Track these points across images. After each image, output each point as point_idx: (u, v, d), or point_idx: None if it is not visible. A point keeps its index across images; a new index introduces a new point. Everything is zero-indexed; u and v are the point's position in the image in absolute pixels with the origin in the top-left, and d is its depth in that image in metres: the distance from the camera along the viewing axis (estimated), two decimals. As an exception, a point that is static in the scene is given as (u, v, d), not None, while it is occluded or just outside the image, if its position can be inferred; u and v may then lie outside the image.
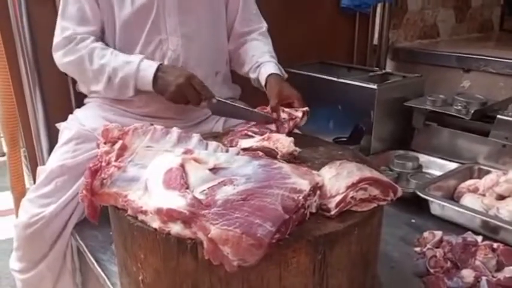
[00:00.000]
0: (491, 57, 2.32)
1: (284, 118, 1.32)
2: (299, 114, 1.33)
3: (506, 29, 3.38)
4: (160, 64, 1.32)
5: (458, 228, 1.31)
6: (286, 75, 1.49)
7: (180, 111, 1.41)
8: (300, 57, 2.14)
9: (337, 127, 1.89)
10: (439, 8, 2.88)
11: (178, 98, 1.29)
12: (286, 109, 1.34)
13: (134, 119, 1.38)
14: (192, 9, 1.42)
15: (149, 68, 1.30)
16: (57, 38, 1.37)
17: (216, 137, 1.24)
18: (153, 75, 1.29)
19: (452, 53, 2.39)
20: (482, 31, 3.22)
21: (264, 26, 1.61)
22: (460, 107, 1.68)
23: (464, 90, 2.27)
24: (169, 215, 0.75)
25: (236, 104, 1.40)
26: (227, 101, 1.37)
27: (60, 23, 1.37)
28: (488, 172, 1.54)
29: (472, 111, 1.65)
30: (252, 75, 1.51)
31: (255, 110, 1.35)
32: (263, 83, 1.43)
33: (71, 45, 1.34)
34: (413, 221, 1.41)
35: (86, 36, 1.35)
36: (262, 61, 1.48)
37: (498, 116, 1.60)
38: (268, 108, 1.33)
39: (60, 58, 1.37)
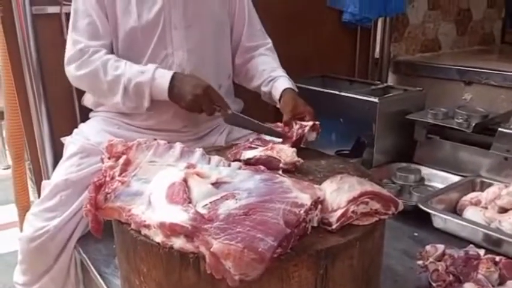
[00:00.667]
0: (493, 70, 2.34)
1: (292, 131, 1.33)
2: (309, 123, 1.33)
3: (507, 42, 3.40)
4: (175, 73, 1.33)
5: (460, 241, 1.31)
6: (296, 90, 1.51)
7: (183, 125, 1.43)
8: (302, 71, 2.16)
9: (339, 140, 1.90)
10: (440, 22, 2.90)
11: (194, 107, 1.31)
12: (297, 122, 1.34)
13: (138, 132, 1.40)
14: (197, 24, 1.44)
15: (165, 76, 1.32)
16: (70, 51, 1.37)
17: (219, 150, 1.25)
18: (168, 83, 1.31)
19: (453, 66, 2.40)
20: (484, 44, 3.24)
21: (270, 42, 1.65)
22: (461, 120, 1.69)
23: (466, 103, 2.27)
24: (172, 229, 0.76)
25: (250, 119, 1.39)
26: (242, 115, 1.38)
27: (71, 36, 1.38)
28: (490, 185, 1.54)
29: (474, 124, 1.66)
30: (264, 89, 1.53)
31: (268, 125, 1.36)
32: (277, 97, 1.45)
33: (85, 57, 1.35)
34: (415, 234, 1.41)
35: (98, 49, 1.36)
36: (275, 75, 1.51)
37: (499, 129, 1.61)
38: (281, 124, 1.35)
39: (74, 71, 1.37)
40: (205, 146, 1.22)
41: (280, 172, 1.07)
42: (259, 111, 1.48)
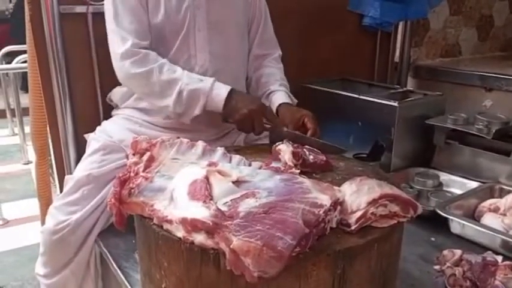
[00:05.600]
0: (514, 76, 2.31)
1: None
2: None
3: (529, 48, 3.35)
4: (233, 88, 1.35)
5: (478, 247, 1.31)
6: (296, 101, 1.57)
7: (204, 125, 1.45)
8: (322, 73, 2.18)
9: (357, 143, 1.90)
10: (461, 27, 2.88)
11: (246, 122, 1.34)
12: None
13: (160, 131, 1.42)
14: (220, 26, 1.46)
15: (223, 88, 1.34)
16: (121, 47, 1.34)
17: (238, 150, 1.27)
18: (226, 96, 1.33)
19: (474, 72, 2.38)
20: (505, 50, 3.19)
21: (278, 52, 1.67)
22: (481, 126, 1.68)
23: (486, 109, 2.25)
24: (193, 225, 0.77)
25: (304, 135, 1.39)
26: (296, 132, 1.38)
27: (118, 32, 1.35)
28: (509, 192, 1.53)
29: (494, 131, 1.65)
30: (265, 101, 1.56)
31: (324, 141, 1.36)
32: (274, 111, 1.50)
33: (140, 56, 1.34)
34: (432, 239, 1.40)
35: (150, 50, 1.36)
36: (273, 89, 1.56)
37: (521, 136, 1.60)
38: None
39: (129, 68, 1.34)
40: (225, 146, 1.24)
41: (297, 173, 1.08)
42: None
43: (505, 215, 1.42)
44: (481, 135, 1.67)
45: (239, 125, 1.36)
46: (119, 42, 1.35)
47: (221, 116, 1.38)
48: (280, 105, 1.50)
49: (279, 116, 1.47)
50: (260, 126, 1.35)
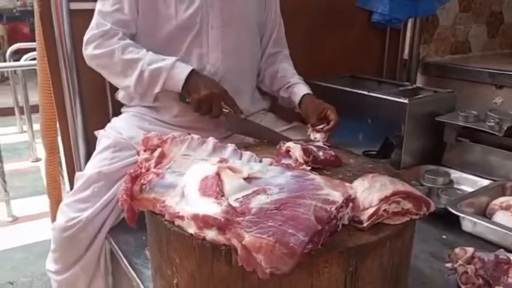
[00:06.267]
0: (525, 74, 2.28)
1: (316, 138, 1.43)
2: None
3: (540, 45, 3.31)
4: (194, 69, 1.35)
5: (489, 245, 1.30)
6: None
7: (213, 125, 1.45)
8: (331, 70, 2.17)
9: (366, 140, 1.89)
10: (471, 24, 2.85)
11: (204, 104, 1.33)
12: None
13: (169, 129, 1.42)
14: (234, 24, 1.47)
15: (185, 68, 1.34)
16: (91, 31, 1.38)
17: (248, 147, 1.26)
18: (187, 75, 1.33)
19: (484, 69, 2.36)
20: (516, 47, 3.17)
21: (287, 50, 1.71)
22: (493, 123, 1.66)
23: (497, 106, 2.23)
24: (205, 221, 0.77)
25: (261, 125, 1.47)
26: (254, 121, 1.46)
27: (96, 18, 1.39)
28: (521, 189, 1.51)
29: (505, 128, 1.63)
30: (284, 94, 1.61)
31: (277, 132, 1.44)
32: (297, 102, 1.54)
33: (104, 37, 1.36)
34: (444, 237, 1.39)
35: (121, 36, 1.37)
36: (293, 82, 1.59)
37: (532, 133, 1.58)
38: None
39: (91, 50, 1.37)
40: (235, 143, 1.24)
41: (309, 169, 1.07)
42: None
43: (516, 212, 1.41)
44: (492, 132, 1.65)
45: (196, 105, 1.34)
46: (92, 27, 1.38)
47: (179, 95, 1.37)
48: (304, 96, 1.53)
49: (301, 106, 1.53)
50: (218, 109, 1.35)
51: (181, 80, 1.33)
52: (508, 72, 2.30)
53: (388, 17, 2.33)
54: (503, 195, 1.53)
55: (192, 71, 1.34)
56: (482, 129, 1.68)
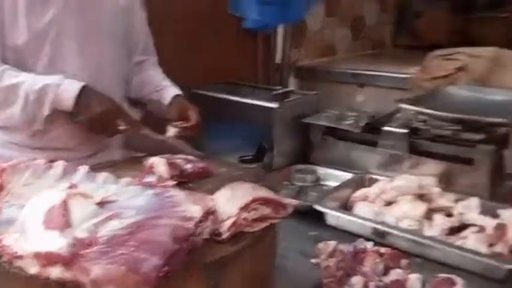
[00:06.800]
0: (383, 72, 2.54)
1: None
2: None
3: (398, 45, 3.69)
4: (86, 84, 1.28)
5: (353, 236, 1.36)
6: None
7: (75, 143, 1.38)
8: (207, 77, 2.20)
9: (243, 146, 1.95)
10: (336, 28, 3.08)
11: (99, 123, 1.27)
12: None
13: (20, 151, 1.32)
14: (94, 33, 1.40)
15: (73, 84, 1.26)
16: None
17: (113, 166, 1.21)
18: (78, 91, 1.25)
19: (347, 70, 2.57)
20: (376, 48, 3.49)
21: (155, 57, 1.69)
22: (351, 121, 1.81)
23: (359, 104, 2.44)
24: (47, 259, 0.72)
25: (164, 138, 1.42)
26: (157, 135, 1.39)
27: None
28: (377, 180, 1.63)
29: (362, 125, 1.79)
30: (153, 97, 1.58)
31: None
32: (166, 103, 1.52)
33: None
34: (313, 233, 1.45)
35: None
36: (164, 84, 1.58)
37: (383, 128, 1.75)
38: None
39: None
40: (100, 162, 1.19)
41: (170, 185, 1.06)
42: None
43: (374, 202, 1.53)
44: (351, 129, 1.80)
45: (89, 124, 1.30)
46: None
47: (69, 114, 1.30)
48: (174, 97, 1.52)
49: (169, 105, 1.51)
50: (113, 128, 1.30)
51: (71, 99, 1.25)
52: (368, 72, 2.53)
53: (259, 23, 2.42)
54: (363, 187, 1.65)
55: (84, 87, 1.27)
56: (342, 127, 1.82)
